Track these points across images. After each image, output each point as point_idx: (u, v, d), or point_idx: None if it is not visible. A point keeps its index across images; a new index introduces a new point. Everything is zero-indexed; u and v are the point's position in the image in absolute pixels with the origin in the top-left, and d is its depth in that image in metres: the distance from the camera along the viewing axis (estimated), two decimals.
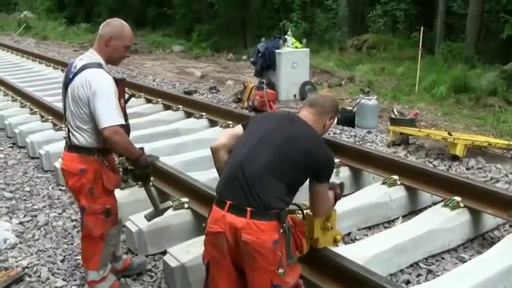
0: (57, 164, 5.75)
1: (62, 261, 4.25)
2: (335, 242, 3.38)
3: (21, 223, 4.96)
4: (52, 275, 4.04)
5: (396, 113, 8.95)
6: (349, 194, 5.13)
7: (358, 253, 3.70)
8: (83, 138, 3.33)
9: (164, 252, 4.01)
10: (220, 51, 19.39)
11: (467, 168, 6.04)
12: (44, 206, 5.35)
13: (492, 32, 15.05)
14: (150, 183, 3.88)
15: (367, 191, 5.01)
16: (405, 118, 8.23)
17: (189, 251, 3.75)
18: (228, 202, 2.70)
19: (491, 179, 5.69)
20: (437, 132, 7.15)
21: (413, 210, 4.98)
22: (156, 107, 8.86)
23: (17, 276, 3.95)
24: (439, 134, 6.67)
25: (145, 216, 3.91)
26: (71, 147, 3.42)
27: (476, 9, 14.52)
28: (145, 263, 4.12)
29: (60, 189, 5.76)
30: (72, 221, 4.97)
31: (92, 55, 3.37)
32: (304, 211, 3.13)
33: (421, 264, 4.09)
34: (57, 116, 7.63)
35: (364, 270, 3.29)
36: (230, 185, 2.76)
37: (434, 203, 4.86)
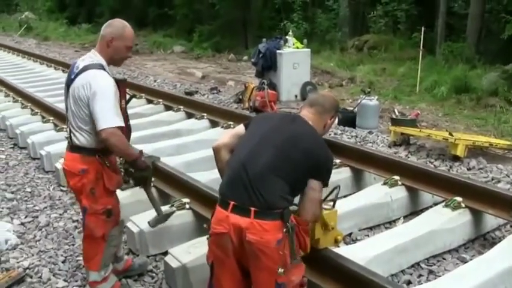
0: (58, 165, 5.76)
1: (63, 262, 4.25)
2: (336, 243, 3.38)
3: (22, 224, 4.97)
4: (53, 275, 4.04)
5: (397, 113, 8.95)
6: (350, 194, 5.13)
7: (359, 253, 3.70)
8: (83, 139, 3.33)
9: (165, 253, 4.02)
10: (221, 51, 19.40)
11: (469, 169, 6.04)
12: (45, 207, 5.35)
13: (493, 32, 15.05)
14: (151, 186, 3.86)
15: (368, 192, 5.00)
16: (406, 118, 8.23)
17: (190, 252, 3.75)
18: (232, 203, 2.71)
19: (492, 180, 5.69)
20: (438, 132, 7.14)
21: (414, 211, 4.98)
22: (157, 108, 8.86)
23: (18, 277, 3.95)
24: (440, 135, 6.66)
25: (149, 223, 3.88)
26: (72, 147, 3.42)
27: (477, 10, 14.52)
28: (147, 263, 4.12)
29: (61, 190, 5.76)
30: (73, 221, 4.97)
31: (93, 56, 3.38)
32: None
33: (422, 265, 4.09)
34: (58, 117, 7.64)
35: (365, 270, 3.29)
36: (233, 185, 2.77)
37: (436, 204, 4.86)
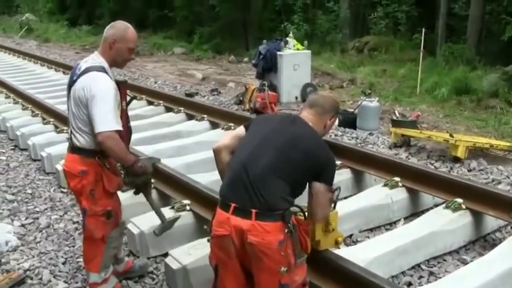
0: (59, 166, 5.76)
1: (63, 263, 4.25)
2: (336, 244, 3.38)
3: (22, 225, 4.97)
4: (54, 277, 4.04)
5: (398, 114, 8.95)
6: (351, 196, 5.13)
7: (360, 255, 3.70)
8: (84, 140, 3.33)
9: (166, 255, 4.01)
10: (221, 53, 19.41)
11: (469, 170, 6.03)
12: (46, 208, 5.35)
13: (493, 34, 15.05)
14: (151, 193, 3.81)
15: (368, 193, 5.00)
16: (407, 120, 8.23)
17: (190, 253, 3.75)
18: (233, 204, 2.71)
19: (492, 181, 5.68)
20: (438, 134, 7.14)
21: (414, 212, 4.98)
22: (158, 109, 8.86)
23: (19, 279, 3.95)
24: (440, 136, 6.66)
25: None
26: (73, 148, 3.42)
27: (477, 11, 14.52)
28: (147, 265, 4.12)
29: (62, 192, 5.76)
30: (74, 223, 4.97)
31: (96, 58, 3.38)
32: (306, 213, 3.13)
33: (423, 266, 4.08)
34: (59, 119, 7.65)
35: (365, 272, 3.28)
36: (234, 187, 2.77)
37: (436, 205, 4.86)
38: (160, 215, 3.82)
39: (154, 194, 5.01)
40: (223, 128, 7.18)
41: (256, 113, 8.79)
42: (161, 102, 9.03)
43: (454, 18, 16.18)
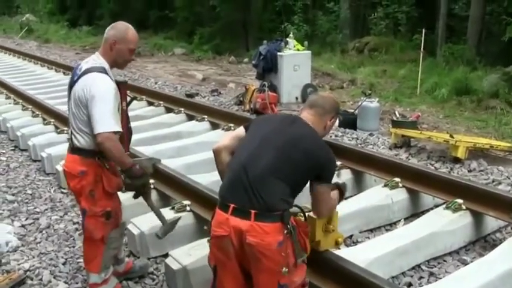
0: (59, 167, 5.76)
1: (63, 264, 4.25)
2: (337, 245, 3.38)
3: (23, 226, 4.97)
4: (54, 277, 4.04)
5: (398, 115, 8.96)
6: (351, 196, 5.13)
7: (360, 256, 3.70)
8: (84, 141, 3.33)
9: (166, 255, 4.01)
10: (221, 53, 19.41)
11: (469, 171, 6.03)
12: (46, 209, 5.35)
13: (494, 34, 15.05)
14: (150, 195, 3.79)
15: (368, 194, 5.00)
16: (407, 120, 8.24)
17: (191, 254, 3.75)
18: (232, 205, 2.71)
19: (493, 181, 5.68)
20: (439, 134, 7.14)
21: (415, 213, 4.98)
22: (158, 110, 8.86)
23: (19, 279, 3.95)
24: (440, 137, 6.66)
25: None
26: (73, 149, 3.43)
27: (477, 12, 14.52)
28: (147, 265, 4.13)
29: (62, 192, 5.76)
30: (74, 223, 4.97)
31: (97, 59, 3.38)
32: (306, 214, 3.13)
33: (423, 267, 4.08)
34: (59, 119, 7.65)
35: (365, 272, 3.28)
36: (233, 187, 2.77)
37: (436, 206, 4.86)
38: (160, 217, 3.82)
39: (154, 194, 5.01)
40: (223, 129, 7.18)
41: (257, 113, 8.79)
42: (161, 102, 9.03)
43: (454, 19, 16.19)
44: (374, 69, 14.17)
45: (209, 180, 5.03)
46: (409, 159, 6.42)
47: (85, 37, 25.62)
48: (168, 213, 4.42)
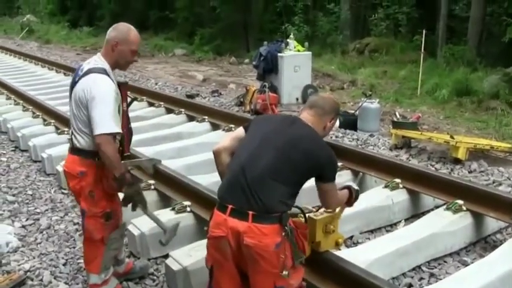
0: (60, 168, 5.76)
1: (64, 264, 4.25)
2: (337, 246, 3.37)
3: (23, 226, 4.97)
4: (54, 278, 4.04)
5: (398, 116, 8.95)
6: None
7: (360, 256, 3.70)
8: (84, 141, 3.33)
9: (166, 256, 4.01)
10: (222, 54, 19.42)
11: (470, 172, 6.03)
12: (46, 210, 5.35)
13: (494, 35, 15.06)
14: (146, 202, 3.70)
15: (369, 195, 5.00)
16: (407, 121, 8.24)
17: (191, 255, 3.75)
18: (230, 206, 2.70)
19: (493, 182, 5.68)
20: (439, 135, 7.14)
21: (415, 214, 4.97)
22: (158, 111, 8.87)
23: (19, 280, 3.95)
24: (441, 137, 6.66)
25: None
26: (73, 149, 3.43)
27: (478, 13, 14.52)
28: (148, 266, 4.13)
29: (63, 193, 5.76)
30: (75, 224, 4.97)
31: (98, 60, 3.37)
32: (307, 214, 3.13)
33: (424, 268, 4.08)
34: (60, 120, 7.66)
35: (366, 273, 3.28)
36: (232, 188, 2.77)
37: (437, 206, 4.86)
38: (160, 225, 3.81)
39: (155, 195, 5.02)
40: (224, 130, 7.18)
41: (257, 114, 8.78)
42: (162, 103, 9.03)
43: (454, 20, 16.19)
44: (374, 70, 14.17)
45: (209, 181, 5.03)
46: (409, 160, 6.41)
47: (86, 38, 25.65)
48: (168, 214, 4.43)
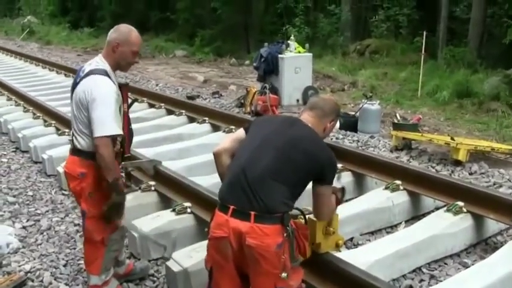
0: (60, 169, 5.76)
1: (64, 265, 4.25)
2: (337, 247, 3.37)
3: (24, 227, 4.97)
4: (55, 279, 4.04)
5: (399, 117, 8.94)
6: (352, 199, 5.13)
7: (361, 258, 3.69)
8: (84, 142, 3.33)
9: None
10: (223, 56, 19.43)
11: (470, 173, 6.03)
12: (47, 211, 5.35)
13: (495, 37, 15.06)
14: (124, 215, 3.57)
15: (369, 196, 5.00)
16: (408, 123, 8.24)
17: (191, 256, 3.74)
18: (232, 207, 2.70)
19: (494, 184, 5.68)
20: (440, 137, 7.14)
21: (416, 215, 4.97)
22: (159, 112, 8.87)
23: (20, 281, 3.95)
24: (441, 139, 6.67)
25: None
26: (74, 150, 3.43)
27: (479, 14, 14.52)
28: (148, 267, 4.12)
29: (63, 194, 5.76)
30: (75, 225, 4.97)
31: (99, 61, 3.37)
32: (307, 216, 3.13)
33: (424, 270, 4.08)
34: (61, 121, 7.66)
35: (366, 275, 3.28)
36: (233, 189, 2.77)
37: (437, 208, 4.86)
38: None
39: (155, 196, 5.02)
40: (224, 131, 7.19)
41: (258, 115, 8.79)
42: (162, 104, 9.03)
43: (455, 22, 16.18)
44: (375, 71, 14.16)
45: (210, 182, 5.03)
46: (410, 162, 6.41)
47: (86, 39, 25.68)
48: (169, 215, 4.44)
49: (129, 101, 3.72)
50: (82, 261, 4.02)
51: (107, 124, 3.15)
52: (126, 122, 3.60)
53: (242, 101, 10.04)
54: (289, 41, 10.88)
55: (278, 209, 2.68)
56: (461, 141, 6.55)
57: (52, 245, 4.63)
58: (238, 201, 2.70)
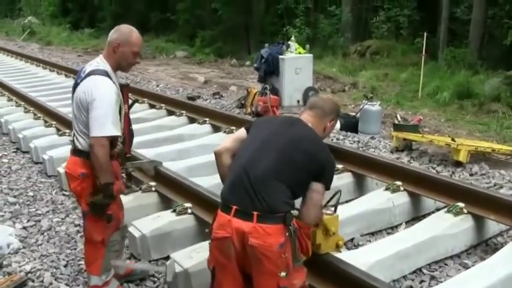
0: (61, 169, 5.76)
1: (65, 266, 4.25)
2: (337, 248, 3.37)
3: (24, 228, 4.97)
4: (55, 279, 4.04)
5: (399, 118, 8.95)
6: (352, 199, 5.13)
7: (361, 259, 3.69)
8: (85, 143, 3.33)
9: (167, 258, 4.01)
10: (223, 56, 19.43)
11: (471, 174, 6.03)
12: (48, 211, 5.35)
13: (495, 38, 15.04)
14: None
15: (370, 197, 5.00)
16: (408, 124, 8.24)
17: (192, 257, 3.74)
18: (234, 207, 2.71)
19: (494, 185, 5.68)
20: (440, 138, 7.14)
21: (416, 216, 4.97)
22: (160, 113, 8.87)
23: (20, 281, 3.95)
24: (442, 140, 6.66)
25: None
26: (74, 151, 3.43)
27: (479, 15, 14.52)
28: (149, 268, 4.12)
29: (64, 194, 5.77)
30: (76, 226, 4.97)
31: (100, 61, 3.38)
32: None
33: (424, 271, 4.08)
34: (61, 121, 7.66)
35: (367, 276, 3.28)
36: (235, 189, 2.77)
37: (438, 209, 4.86)
38: None
39: (155, 197, 5.02)
40: (225, 132, 7.18)
41: (258, 116, 8.79)
42: (163, 105, 9.03)
43: (456, 23, 16.17)
44: (376, 72, 14.16)
45: (210, 183, 5.04)
46: (410, 163, 6.41)
47: (87, 39, 25.68)
48: (169, 216, 4.44)
49: (130, 101, 3.71)
50: (82, 262, 4.02)
51: (104, 124, 3.15)
52: (127, 123, 3.60)
53: (243, 101, 10.04)
54: (289, 42, 10.86)
55: (280, 209, 2.69)
56: (462, 142, 6.55)
57: (52, 245, 4.63)
58: (241, 202, 2.70)
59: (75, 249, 4.53)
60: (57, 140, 7.03)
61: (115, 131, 3.21)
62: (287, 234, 2.69)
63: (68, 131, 7.00)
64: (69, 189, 3.77)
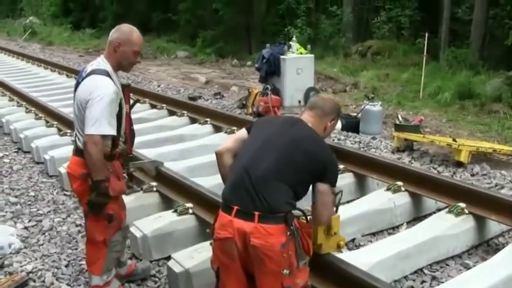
0: (62, 169, 5.77)
1: (66, 266, 4.26)
2: (338, 248, 3.38)
3: (25, 228, 4.97)
4: (56, 279, 4.05)
5: (401, 119, 8.95)
6: (354, 200, 5.13)
7: (362, 259, 3.69)
8: None
9: (168, 258, 4.01)
10: (224, 57, 19.43)
11: (472, 175, 6.03)
12: (49, 211, 5.35)
13: (497, 38, 15.03)
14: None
15: (371, 197, 5.00)
16: (410, 124, 8.24)
17: (193, 257, 3.75)
18: (235, 207, 2.71)
19: (496, 186, 5.68)
20: (441, 138, 7.14)
21: (417, 217, 4.97)
22: (161, 113, 8.87)
23: (22, 281, 3.95)
24: (443, 140, 6.66)
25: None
26: (76, 151, 3.43)
27: (481, 16, 14.51)
28: (150, 268, 4.12)
29: (65, 194, 5.77)
30: (77, 226, 4.98)
31: (101, 61, 3.38)
32: (308, 217, 3.13)
33: (426, 271, 4.08)
34: (62, 122, 7.67)
35: (368, 276, 3.28)
36: (236, 190, 2.78)
37: (439, 210, 4.85)
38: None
39: (157, 197, 5.02)
40: (226, 132, 7.19)
41: (259, 116, 8.78)
42: (164, 105, 9.04)
43: (457, 23, 16.15)
44: (377, 73, 14.15)
45: (212, 183, 5.04)
46: (411, 163, 6.41)
47: (88, 40, 25.70)
48: (170, 216, 4.44)
49: (131, 101, 3.71)
50: (84, 262, 4.03)
51: (99, 123, 3.14)
52: (128, 123, 3.59)
53: (244, 102, 10.04)
54: (291, 42, 10.87)
55: (281, 209, 2.69)
56: (463, 142, 6.54)
57: (54, 245, 4.63)
58: (242, 202, 2.71)
59: (76, 249, 4.53)
60: (59, 140, 7.03)
61: (109, 130, 3.20)
62: (288, 233, 2.69)
63: (69, 131, 7.01)
64: (71, 189, 3.77)
